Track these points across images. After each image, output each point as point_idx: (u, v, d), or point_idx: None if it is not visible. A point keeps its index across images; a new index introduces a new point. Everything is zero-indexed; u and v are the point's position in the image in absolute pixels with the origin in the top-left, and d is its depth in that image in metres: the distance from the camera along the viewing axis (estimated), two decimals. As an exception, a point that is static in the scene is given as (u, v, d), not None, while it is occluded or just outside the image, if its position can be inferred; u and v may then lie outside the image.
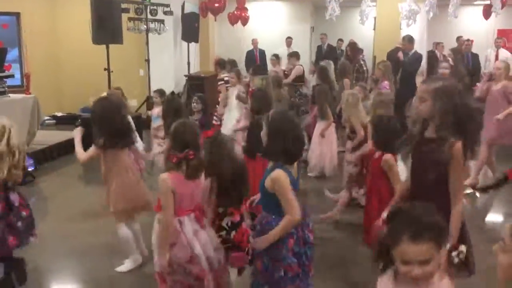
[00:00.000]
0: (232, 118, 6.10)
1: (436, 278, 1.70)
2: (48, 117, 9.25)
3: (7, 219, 3.26)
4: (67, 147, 7.77)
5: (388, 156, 3.37)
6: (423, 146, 2.62)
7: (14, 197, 3.34)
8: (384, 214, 3.01)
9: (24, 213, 3.38)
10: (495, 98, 5.79)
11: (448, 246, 2.45)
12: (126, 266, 3.88)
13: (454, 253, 2.44)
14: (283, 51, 11.79)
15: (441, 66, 7.21)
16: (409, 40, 8.14)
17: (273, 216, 2.69)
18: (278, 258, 2.69)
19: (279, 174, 2.61)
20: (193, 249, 2.78)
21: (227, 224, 3.00)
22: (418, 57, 8.29)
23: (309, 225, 2.80)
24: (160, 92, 6.26)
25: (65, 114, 10.03)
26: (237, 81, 6.36)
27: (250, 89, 5.46)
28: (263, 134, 2.74)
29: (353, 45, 11.13)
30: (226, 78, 7.01)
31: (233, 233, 3.00)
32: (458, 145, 2.48)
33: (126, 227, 3.81)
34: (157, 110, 5.68)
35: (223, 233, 3.01)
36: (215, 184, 2.99)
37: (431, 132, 2.57)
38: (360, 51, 11.44)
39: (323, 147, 6.00)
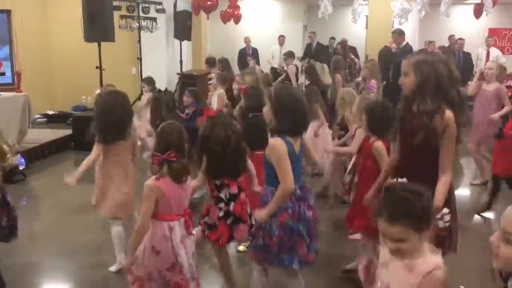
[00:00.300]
0: None
1: (424, 253, 1.75)
2: (39, 115, 9.19)
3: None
4: (58, 145, 7.74)
5: (378, 144, 3.36)
6: (410, 121, 2.64)
7: (8, 197, 3.33)
8: (370, 193, 3.04)
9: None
10: (487, 99, 5.77)
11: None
12: (116, 266, 3.85)
13: (437, 216, 2.45)
14: (276, 50, 11.82)
15: None
16: (399, 33, 8.16)
17: (272, 188, 2.72)
18: (261, 227, 2.74)
19: (275, 141, 2.66)
20: (177, 257, 2.75)
21: (225, 196, 3.09)
22: (409, 49, 8.30)
23: (308, 201, 2.80)
24: (148, 80, 6.25)
25: (56, 112, 9.96)
26: (221, 86, 6.33)
27: (243, 87, 5.43)
28: (267, 110, 2.77)
29: (343, 44, 11.22)
30: None
31: (232, 204, 3.09)
32: (449, 113, 2.52)
33: (120, 224, 3.79)
34: (145, 98, 5.72)
35: (222, 204, 3.09)
36: (209, 156, 3.06)
37: (417, 106, 2.59)
38: (352, 49, 11.48)
39: (318, 146, 6.00)
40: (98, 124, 3.58)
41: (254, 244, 2.82)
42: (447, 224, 2.45)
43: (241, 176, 3.24)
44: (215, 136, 3.08)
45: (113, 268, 3.84)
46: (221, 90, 6.23)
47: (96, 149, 3.57)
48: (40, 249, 4.28)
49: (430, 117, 2.52)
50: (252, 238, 2.86)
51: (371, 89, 6.38)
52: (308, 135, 5.99)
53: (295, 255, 2.74)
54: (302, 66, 9.34)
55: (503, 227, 1.41)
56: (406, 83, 2.64)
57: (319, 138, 5.92)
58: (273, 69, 11.26)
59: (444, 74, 2.55)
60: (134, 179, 3.75)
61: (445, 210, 2.47)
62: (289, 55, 9.35)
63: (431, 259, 1.74)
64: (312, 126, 5.98)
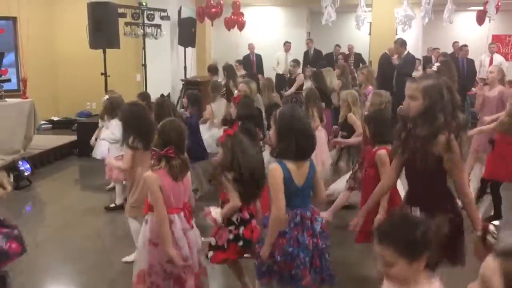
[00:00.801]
0: (205, 128, 6.07)
1: (419, 282, 1.74)
2: (44, 122, 9.24)
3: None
4: (63, 151, 7.78)
5: (382, 152, 3.36)
6: (414, 144, 2.63)
7: None
8: (358, 218, 3.04)
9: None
10: (491, 104, 5.74)
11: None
12: (131, 257, 3.88)
13: (488, 236, 2.41)
14: (281, 56, 11.85)
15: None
16: (401, 43, 8.16)
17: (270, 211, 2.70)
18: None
19: (272, 167, 2.62)
20: (180, 249, 2.76)
21: (236, 220, 3.07)
22: (411, 58, 8.31)
23: (312, 229, 2.71)
24: (143, 95, 6.28)
25: (61, 119, 10.03)
26: (214, 96, 6.38)
27: (236, 95, 5.42)
28: (272, 132, 2.75)
29: (346, 56, 11.29)
30: None
31: (242, 228, 3.07)
32: (452, 138, 2.52)
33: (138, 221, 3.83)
34: None
35: (232, 227, 3.08)
36: (232, 178, 3.02)
37: (421, 130, 2.59)
38: (357, 56, 11.48)
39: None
40: (131, 132, 3.69)
41: (263, 270, 2.75)
42: (496, 237, 2.42)
43: (253, 201, 3.20)
44: (233, 157, 3.04)
45: (125, 259, 3.91)
46: (217, 101, 6.27)
47: (130, 154, 3.68)
48: (45, 254, 4.30)
49: (430, 141, 2.53)
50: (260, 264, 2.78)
51: (369, 95, 6.39)
52: None
53: (299, 284, 2.65)
54: (305, 73, 9.34)
55: (482, 273, 1.37)
56: (413, 107, 2.63)
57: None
58: (278, 75, 11.27)
59: (448, 99, 2.57)
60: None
61: (491, 226, 2.45)
62: (298, 62, 9.35)
63: None
64: None
